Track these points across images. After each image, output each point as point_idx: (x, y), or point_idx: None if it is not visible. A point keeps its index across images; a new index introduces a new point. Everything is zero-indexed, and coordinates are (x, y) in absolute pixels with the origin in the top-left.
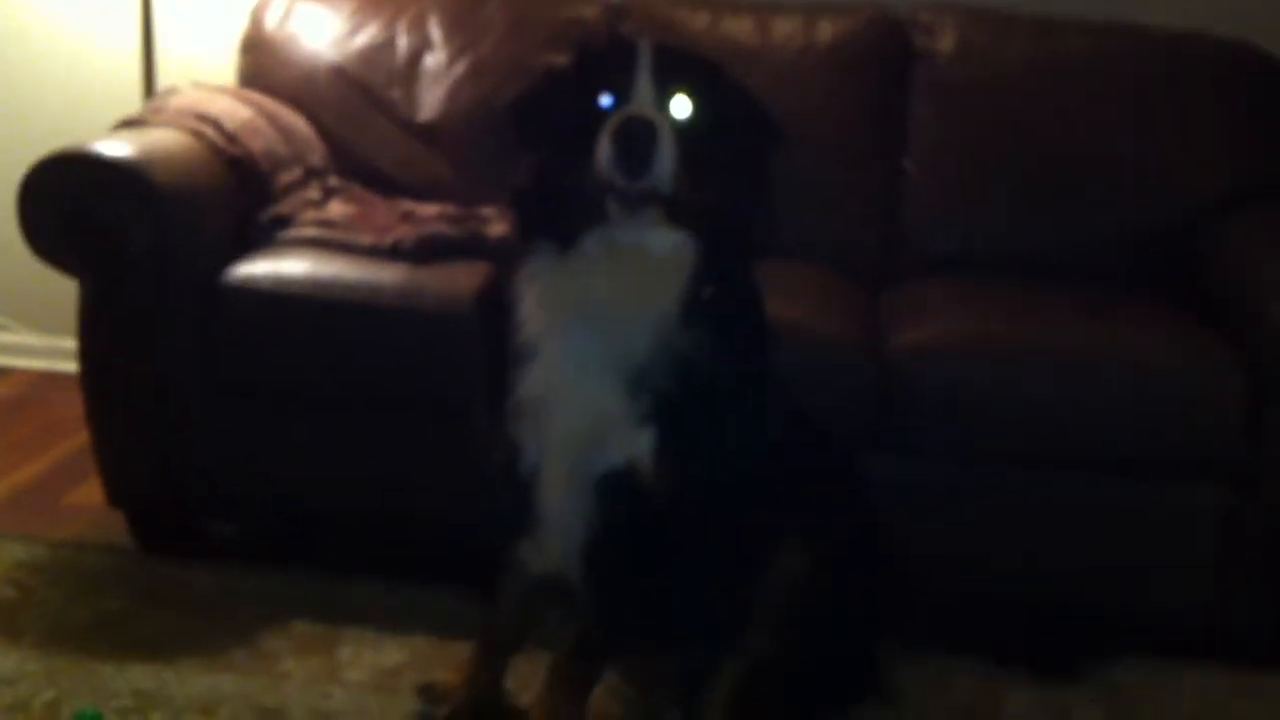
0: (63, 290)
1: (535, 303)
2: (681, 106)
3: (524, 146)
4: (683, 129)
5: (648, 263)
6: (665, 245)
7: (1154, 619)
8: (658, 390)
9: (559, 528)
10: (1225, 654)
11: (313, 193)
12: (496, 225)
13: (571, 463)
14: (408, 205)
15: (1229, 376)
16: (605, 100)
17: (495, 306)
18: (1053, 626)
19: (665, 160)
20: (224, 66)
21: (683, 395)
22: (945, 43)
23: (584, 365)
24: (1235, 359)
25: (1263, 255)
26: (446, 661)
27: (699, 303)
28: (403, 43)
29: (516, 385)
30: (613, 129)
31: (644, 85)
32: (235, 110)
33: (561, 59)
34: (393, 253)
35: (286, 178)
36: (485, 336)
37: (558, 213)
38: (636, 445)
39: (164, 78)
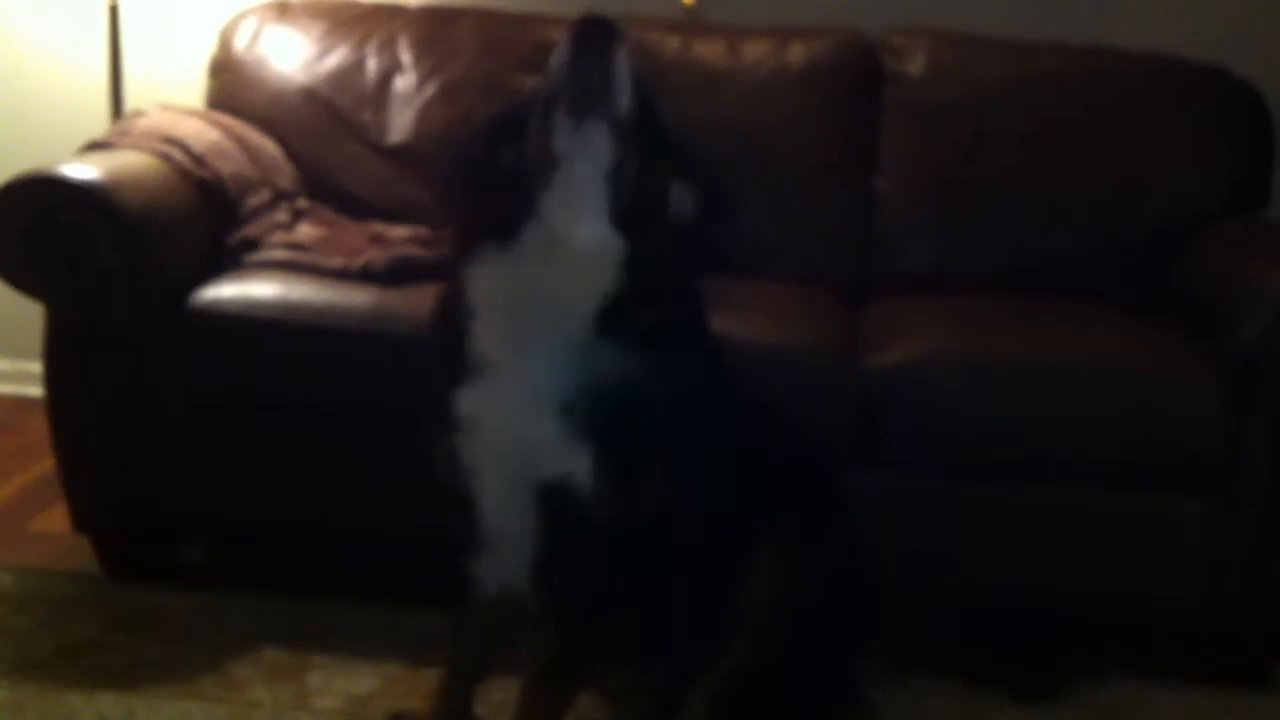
0: (29, 314)
1: (481, 306)
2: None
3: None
4: (640, 114)
5: (579, 259)
6: (594, 238)
7: (1140, 631)
8: (589, 406)
9: (505, 544)
10: (1211, 674)
11: (282, 215)
12: None
13: (509, 479)
14: (378, 227)
15: (1207, 386)
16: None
17: (447, 324)
18: (1037, 645)
19: (623, 74)
20: (192, 88)
21: (616, 411)
22: (916, 65)
23: (516, 380)
24: (1213, 368)
25: (1238, 267)
26: (419, 688)
27: (627, 312)
28: (373, 65)
29: (459, 401)
30: (572, 28)
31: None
32: (203, 132)
33: (531, 81)
34: (362, 275)
35: (255, 200)
36: (435, 352)
37: (499, 202)
38: (572, 462)
39: (132, 100)
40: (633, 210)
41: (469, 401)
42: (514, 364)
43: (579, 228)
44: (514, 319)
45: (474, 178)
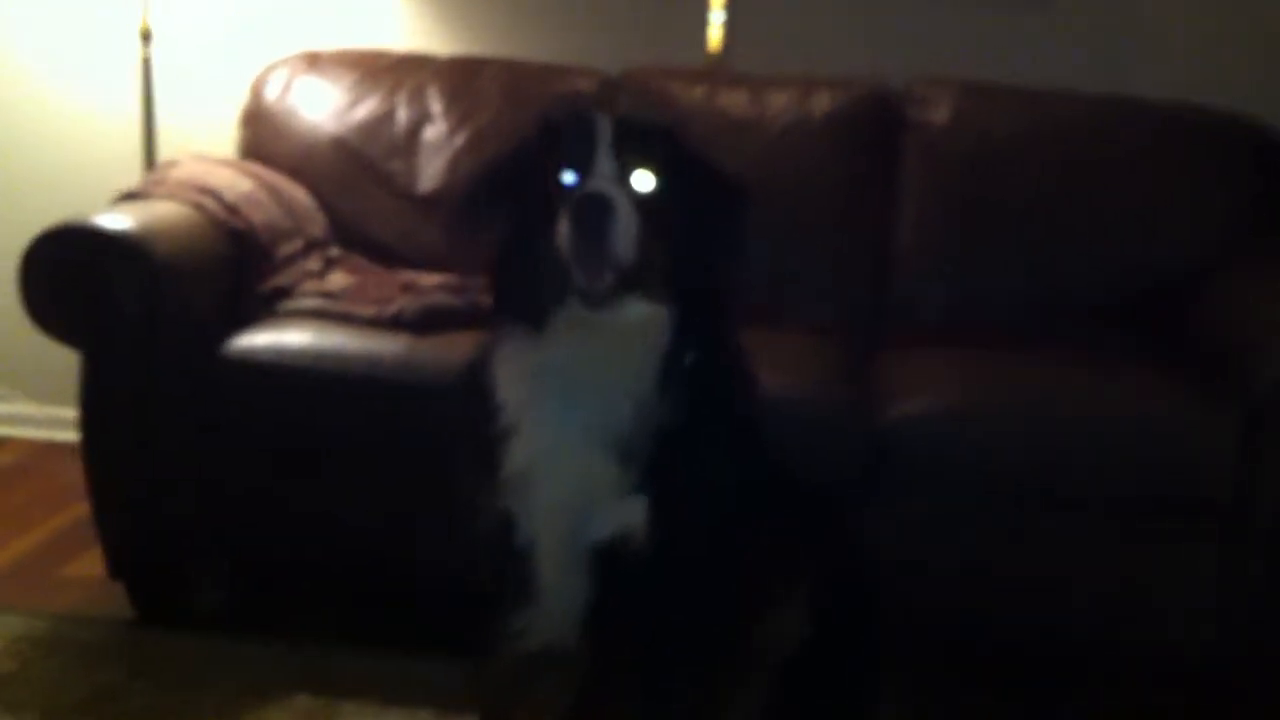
0: (62, 360)
1: (512, 382)
2: (644, 180)
3: (488, 221)
4: (647, 201)
5: (621, 335)
6: (637, 316)
7: (1155, 666)
8: (644, 459)
9: (556, 600)
10: (1233, 712)
11: (313, 264)
12: None
13: (564, 536)
14: (408, 276)
15: (1220, 434)
16: (568, 178)
17: (475, 386)
18: (1050, 685)
19: (626, 238)
20: (224, 138)
21: (669, 462)
22: (939, 114)
23: (568, 437)
24: (1226, 416)
25: (1252, 314)
26: None
27: (679, 370)
28: (402, 114)
29: (503, 460)
30: (571, 207)
31: (604, 161)
32: (236, 182)
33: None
34: (393, 323)
35: (287, 249)
36: (467, 412)
37: (528, 291)
38: (628, 515)
39: (164, 150)
40: (672, 287)
41: (518, 463)
42: (565, 426)
43: (622, 311)
44: (563, 387)
45: (502, 269)
